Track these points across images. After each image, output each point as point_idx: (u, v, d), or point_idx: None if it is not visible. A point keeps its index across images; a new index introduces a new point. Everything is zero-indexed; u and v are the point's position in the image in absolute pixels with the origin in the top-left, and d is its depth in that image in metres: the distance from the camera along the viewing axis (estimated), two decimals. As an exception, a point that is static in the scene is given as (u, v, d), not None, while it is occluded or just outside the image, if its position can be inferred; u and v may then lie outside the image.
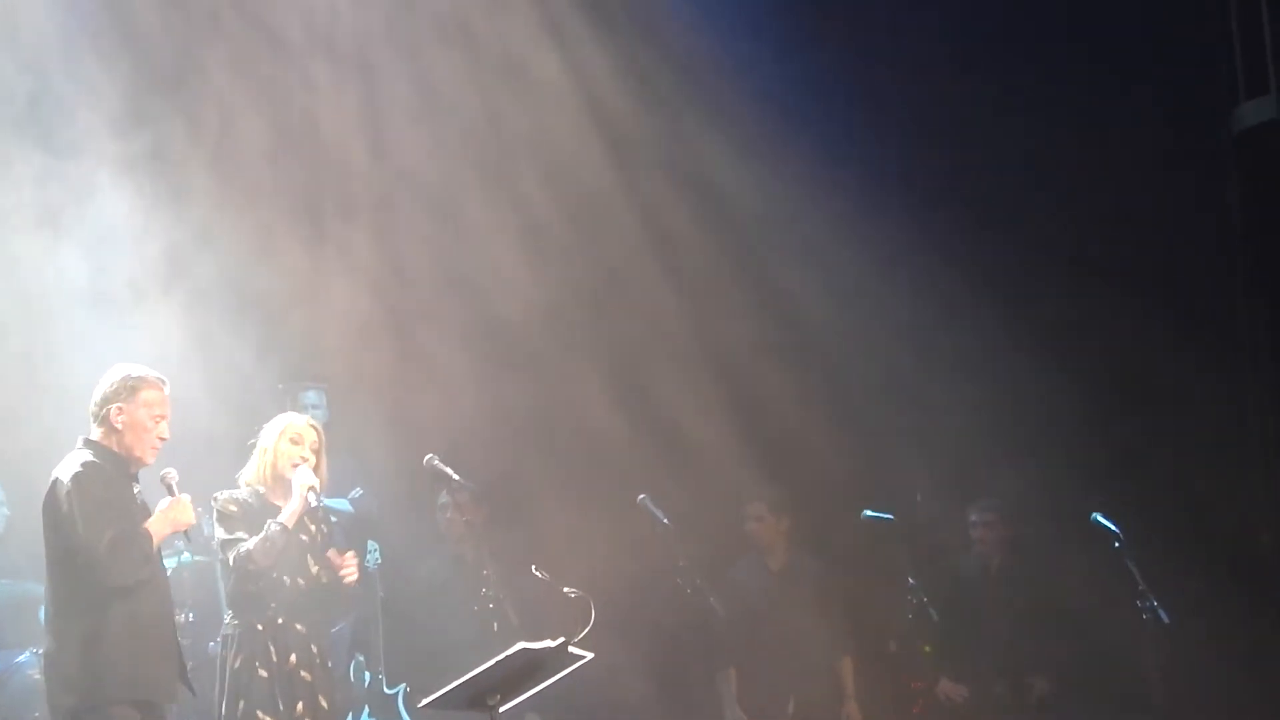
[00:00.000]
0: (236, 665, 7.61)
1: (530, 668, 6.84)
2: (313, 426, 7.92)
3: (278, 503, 7.73)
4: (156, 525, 7.22)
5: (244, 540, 7.56)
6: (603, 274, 10.85)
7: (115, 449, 7.26)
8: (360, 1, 10.48)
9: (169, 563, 7.78)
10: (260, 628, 7.64)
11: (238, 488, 7.79)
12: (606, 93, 10.75)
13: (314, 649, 7.76)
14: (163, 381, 7.38)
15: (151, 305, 9.72)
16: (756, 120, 10.80)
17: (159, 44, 9.97)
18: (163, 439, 7.33)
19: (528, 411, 10.71)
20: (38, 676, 9.16)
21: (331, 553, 7.88)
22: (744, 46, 10.86)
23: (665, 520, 9.61)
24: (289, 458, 7.76)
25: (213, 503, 7.66)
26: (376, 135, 10.53)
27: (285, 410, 8.55)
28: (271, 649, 7.63)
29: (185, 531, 7.36)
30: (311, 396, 10.47)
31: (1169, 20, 11.06)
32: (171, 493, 7.30)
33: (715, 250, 10.96)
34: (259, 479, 7.80)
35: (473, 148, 10.62)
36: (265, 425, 7.91)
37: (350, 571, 7.85)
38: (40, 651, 9.13)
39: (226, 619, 7.78)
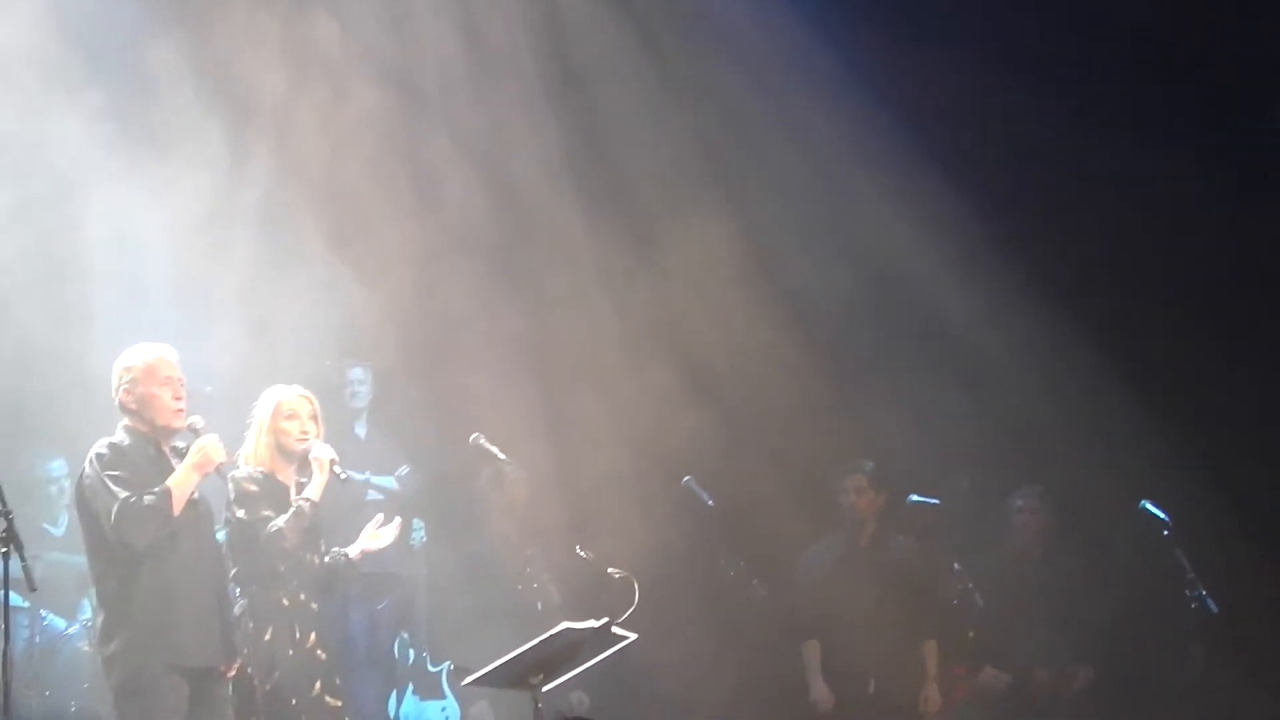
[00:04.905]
0: (268, 638, 7.59)
1: (574, 648, 6.85)
2: (305, 397, 7.81)
3: (283, 479, 7.73)
4: (182, 475, 7.28)
5: (272, 518, 7.56)
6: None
7: (140, 427, 7.38)
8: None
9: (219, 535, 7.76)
10: (286, 603, 7.64)
11: (236, 467, 7.67)
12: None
13: (327, 629, 7.80)
14: (158, 349, 7.44)
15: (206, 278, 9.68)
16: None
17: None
18: (179, 398, 7.38)
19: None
20: (86, 648, 9.26)
21: (373, 525, 7.89)
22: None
23: (710, 502, 9.60)
24: (291, 434, 7.72)
25: (229, 483, 7.56)
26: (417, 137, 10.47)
27: (332, 386, 8.50)
28: (295, 626, 7.64)
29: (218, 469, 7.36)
30: (357, 373, 10.50)
31: (1209, 23, 10.95)
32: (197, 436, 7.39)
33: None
34: (259, 459, 7.70)
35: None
36: (256, 404, 7.81)
37: (377, 540, 7.85)
38: (87, 622, 9.27)
39: (245, 594, 7.68)
